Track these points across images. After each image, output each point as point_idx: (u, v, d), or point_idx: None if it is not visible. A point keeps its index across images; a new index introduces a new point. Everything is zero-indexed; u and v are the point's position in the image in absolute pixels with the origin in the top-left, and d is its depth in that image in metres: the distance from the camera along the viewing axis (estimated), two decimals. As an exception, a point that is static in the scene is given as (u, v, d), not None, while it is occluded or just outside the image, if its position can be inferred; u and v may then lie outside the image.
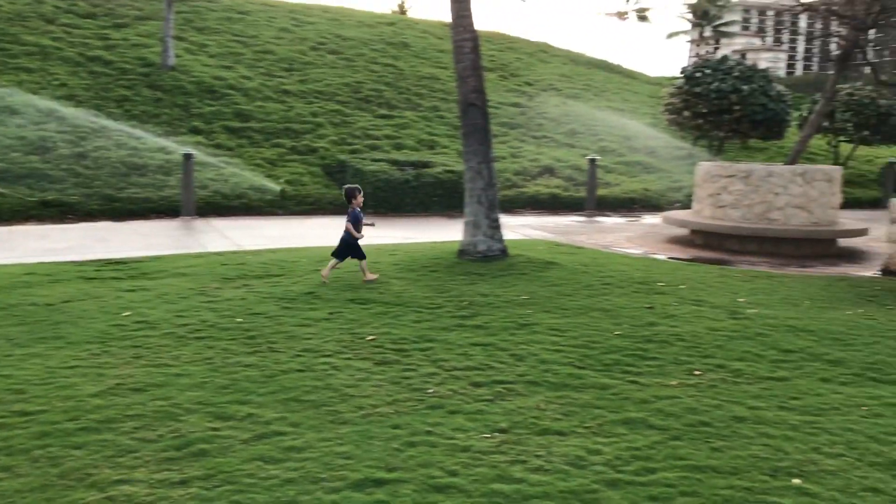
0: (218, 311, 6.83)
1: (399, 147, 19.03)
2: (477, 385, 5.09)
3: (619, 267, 9.49)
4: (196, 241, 11.67)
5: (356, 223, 8.07)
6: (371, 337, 6.09)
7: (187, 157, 13.82)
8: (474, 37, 9.11)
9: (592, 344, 6.11)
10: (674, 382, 5.28)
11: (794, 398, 5.03)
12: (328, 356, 5.60)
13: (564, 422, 4.52)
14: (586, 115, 24.22)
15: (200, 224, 13.44)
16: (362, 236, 8.12)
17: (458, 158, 17.26)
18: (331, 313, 6.80)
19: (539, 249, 10.49)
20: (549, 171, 19.31)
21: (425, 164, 16.55)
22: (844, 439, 4.36)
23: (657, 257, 11.01)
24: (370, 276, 8.10)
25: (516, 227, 13.68)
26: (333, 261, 8.09)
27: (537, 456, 4.04)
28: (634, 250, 11.56)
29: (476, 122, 9.04)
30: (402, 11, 55.58)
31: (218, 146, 16.96)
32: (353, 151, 17.94)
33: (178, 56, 19.98)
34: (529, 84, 26.79)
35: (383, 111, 21.08)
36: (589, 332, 6.44)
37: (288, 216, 14.99)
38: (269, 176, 16.13)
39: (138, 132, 16.14)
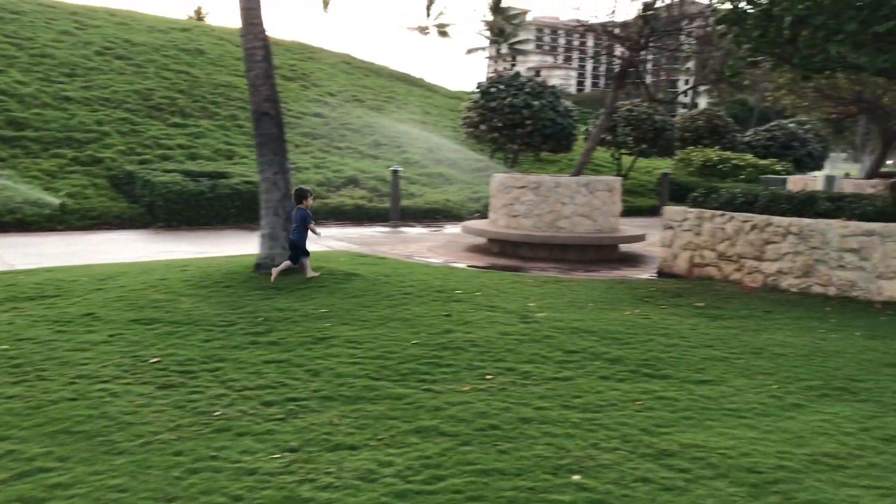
0: (-22, 339, 6.16)
1: (193, 157, 18.25)
2: (268, 404, 4.92)
3: (419, 276, 9.61)
4: (-42, 261, 10.51)
5: (303, 222, 8.63)
6: (155, 359, 5.73)
7: (-52, 168, 12.44)
8: (266, 44, 8.90)
9: (389, 354, 6.11)
10: (466, 388, 5.38)
11: (577, 397, 5.29)
12: (105, 382, 5.20)
13: (357, 435, 4.46)
14: (389, 126, 24.49)
15: (-35, 242, 12.13)
16: (318, 233, 9.14)
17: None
18: (111, 335, 6.33)
19: (341, 261, 10.41)
20: (353, 182, 19.30)
21: (222, 175, 15.98)
22: (620, 434, 4.63)
23: (457, 266, 11.28)
24: (312, 273, 8.62)
25: (319, 239, 13.52)
26: (286, 263, 8.56)
27: (328, 473, 3.95)
28: (435, 260, 11.78)
29: (270, 131, 8.82)
30: (200, 17, 53.58)
31: (-13, 156, 15.43)
32: (142, 162, 16.98)
33: (-63, 56, 18.01)
34: (332, 94, 26.69)
35: (176, 120, 20.14)
36: (387, 343, 6.44)
37: (69, 232, 13.89)
38: (47, 189, 14.88)
39: None
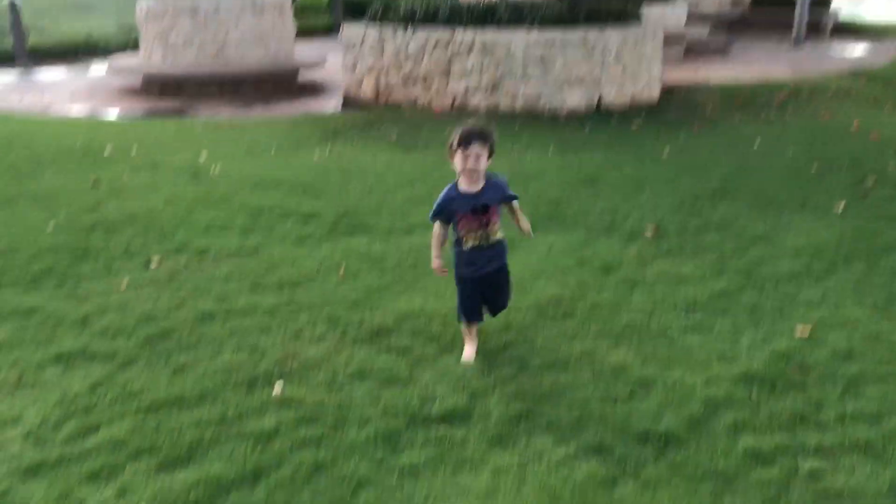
0: None
1: None
2: None
3: (56, 135, 7.79)
4: None
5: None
6: None
7: None
8: None
9: (15, 249, 4.68)
10: (124, 284, 4.20)
11: (269, 272, 4.36)
12: None
13: (-37, 386, 3.18)
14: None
15: None
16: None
17: None
18: None
19: (-56, 124, 8.14)
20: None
21: None
22: (325, 314, 3.82)
23: (106, 116, 9.41)
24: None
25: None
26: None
27: (-89, 463, 2.69)
28: (79, 110, 9.75)
29: None
30: None
31: None
32: None
33: None
34: None
35: None
36: (12, 232, 4.96)
37: None
38: None
39: None
